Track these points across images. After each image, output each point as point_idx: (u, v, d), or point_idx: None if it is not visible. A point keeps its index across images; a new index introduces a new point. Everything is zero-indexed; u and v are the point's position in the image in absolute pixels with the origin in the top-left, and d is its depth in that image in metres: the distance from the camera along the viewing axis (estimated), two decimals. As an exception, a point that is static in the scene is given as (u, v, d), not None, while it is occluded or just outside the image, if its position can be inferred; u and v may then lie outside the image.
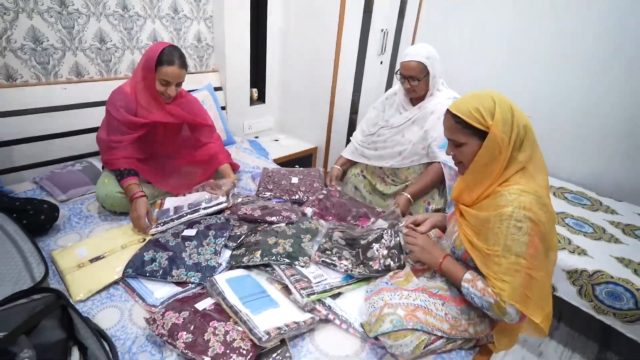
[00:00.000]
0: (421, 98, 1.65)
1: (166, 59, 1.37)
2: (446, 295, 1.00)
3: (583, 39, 2.21)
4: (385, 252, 1.16)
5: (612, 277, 1.43)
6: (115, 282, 1.12)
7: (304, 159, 2.50)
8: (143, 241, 1.28)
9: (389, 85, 2.76)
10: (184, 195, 1.53)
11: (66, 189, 1.54)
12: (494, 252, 0.89)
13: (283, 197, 1.62)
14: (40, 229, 1.28)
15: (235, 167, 1.78)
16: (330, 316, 1.04)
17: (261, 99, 2.54)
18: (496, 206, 0.91)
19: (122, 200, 1.40)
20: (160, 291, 1.08)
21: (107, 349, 0.80)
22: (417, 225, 1.22)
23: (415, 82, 1.55)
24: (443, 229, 1.26)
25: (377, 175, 1.84)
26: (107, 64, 1.83)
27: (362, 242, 1.22)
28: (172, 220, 1.35)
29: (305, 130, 2.58)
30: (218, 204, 1.42)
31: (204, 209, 1.40)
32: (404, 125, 1.69)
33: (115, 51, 1.83)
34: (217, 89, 2.22)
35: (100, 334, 0.84)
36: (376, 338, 0.96)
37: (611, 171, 2.25)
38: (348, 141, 2.64)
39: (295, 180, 1.73)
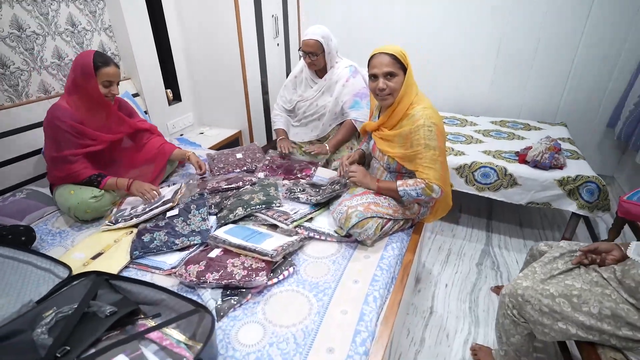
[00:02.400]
0: (324, 70, 2.04)
1: (101, 61, 1.47)
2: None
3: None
4: (335, 186, 1.55)
5: (481, 163, 2.06)
6: (126, 266, 1.28)
7: (232, 144, 2.72)
8: (131, 233, 1.43)
9: (287, 63, 3.11)
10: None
11: (22, 216, 1.55)
12: (418, 151, 1.31)
13: (236, 170, 1.88)
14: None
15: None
16: (311, 234, 1.38)
17: (177, 98, 2.66)
18: (412, 122, 1.33)
19: (96, 205, 1.50)
20: (171, 259, 1.29)
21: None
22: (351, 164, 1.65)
23: (315, 57, 1.91)
24: (361, 160, 1.70)
25: (305, 141, 2.21)
26: (16, 88, 1.80)
27: (322, 185, 1.60)
28: (125, 220, 1.45)
29: (226, 118, 2.79)
30: (164, 203, 1.51)
31: (156, 208, 1.50)
32: (317, 96, 2.06)
33: (21, 74, 1.80)
34: (134, 95, 2.29)
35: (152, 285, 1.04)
36: (347, 236, 1.35)
37: (470, 96, 3.02)
38: (266, 119, 2.95)
39: (239, 155, 1.99)
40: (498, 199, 2.08)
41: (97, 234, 1.45)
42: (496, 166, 2.02)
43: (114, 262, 1.28)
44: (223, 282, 1.13)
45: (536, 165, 1.96)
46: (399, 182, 1.35)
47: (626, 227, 1.81)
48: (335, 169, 1.95)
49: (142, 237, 1.35)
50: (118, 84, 1.57)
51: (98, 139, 1.58)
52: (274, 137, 2.92)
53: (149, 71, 2.34)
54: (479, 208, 2.54)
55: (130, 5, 2.12)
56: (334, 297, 1.13)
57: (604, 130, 2.77)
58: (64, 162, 1.50)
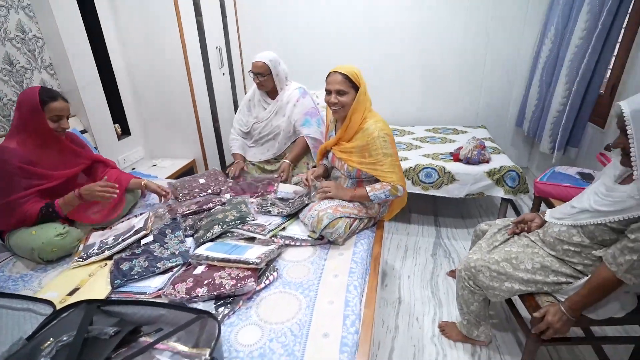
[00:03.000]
0: (274, 92, 2.20)
1: (48, 96, 1.46)
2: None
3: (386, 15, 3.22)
4: (304, 198, 1.68)
5: (424, 165, 2.34)
6: (108, 297, 1.27)
7: (187, 173, 2.74)
8: (105, 265, 1.42)
9: (233, 91, 3.23)
10: (110, 228, 1.66)
11: (-27, 267, 1.45)
12: (378, 160, 1.50)
13: (202, 194, 1.92)
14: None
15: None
16: (287, 241, 1.49)
17: (126, 132, 2.63)
18: (367, 135, 1.52)
19: (62, 242, 1.44)
20: (154, 282, 1.30)
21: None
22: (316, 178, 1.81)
23: (262, 78, 2.08)
24: (325, 174, 1.87)
25: (264, 161, 2.33)
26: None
27: (289, 200, 1.73)
28: (97, 254, 1.43)
29: (178, 149, 2.80)
30: (136, 232, 1.51)
31: (129, 237, 1.49)
32: (270, 117, 2.22)
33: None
34: (82, 132, 2.24)
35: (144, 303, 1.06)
36: (320, 238, 1.48)
37: (406, 110, 3.39)
38: (218, 145, 3.02)
39: (202, 180, 2.04)
40: (441, 195, 2.37)
41: (68, 271, 1.41)
42: (436, 166, 2.31)
43: (95, 293, 1.26)
44: (214, 294, 1.19)
45: (468, 161, 2.29)
46: (368, 188, 1.52)
47: (543, 205, 2.19)
48: (297, 184, 2.08)
49: (121, 267, 1.35)
50: (68, 118, 1.55)
51: (51, 177, 1.54)
52: (228, 163, 3.01)
53: (96, 107, 2.31)
54: (426, 207, 2.83)
55: (71, 42, 2.11)
56: (319, 291, 1.25)
57: (515, 129, 3.28)
58: (14, 207, 1.43)
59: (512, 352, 1.57)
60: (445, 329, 1.66)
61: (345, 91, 1.54)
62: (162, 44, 2.45)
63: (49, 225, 1.48)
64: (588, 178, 1.86)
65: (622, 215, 1.05)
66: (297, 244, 1.50)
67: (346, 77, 1.53)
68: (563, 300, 1.19)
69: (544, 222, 1.40)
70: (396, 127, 3.17)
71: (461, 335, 1.59)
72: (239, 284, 1.20)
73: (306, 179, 1.80)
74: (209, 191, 1.95)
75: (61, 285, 1.31)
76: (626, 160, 1.06)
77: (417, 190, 2.39)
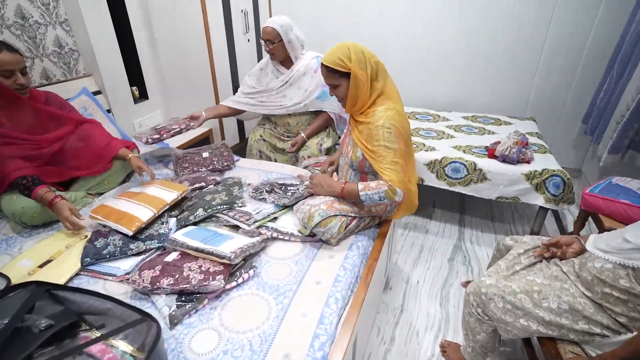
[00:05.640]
0: (289, 61, 2.00)
1: None
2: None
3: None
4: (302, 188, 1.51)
5: (452, 158, 2.05)
6: (77, 274, 1.21)
7: (201, 143, 2.64)
8: (85, 237, 1.36)
9: (260, 59, 3.04)
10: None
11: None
12: (379, 152, 1.26)
13: (201, 169, 1.81)
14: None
15: (131, 148, 1.77)
16: (275, 234, 1.34)
17: (144, 96, 2.56)
18: (374, 120, 1.29)
19: (44, 207, 1.40)
20: (125, 264, 1.22)
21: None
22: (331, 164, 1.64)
23: (272, 45, 1.88)
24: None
25: (274, 136, 2.17)
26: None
27: (291, 188, 1.55)
28: None
29: (197, 116, 2.70)
30: None
31: None
32: (284, 87, 2.03)
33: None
34: (96, 93, 2.19)
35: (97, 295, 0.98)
36: (312, 235, 1.31)
37: (441, 92, 3.03)
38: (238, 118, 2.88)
39: (206, 154, 1.92)
40: (469, 194, 2.09)
41: (49, 238, 1.36)
42: (466, 161, 2.02)
43: (64, 269, 1.21)
44: (178, 288, 1.08)
45: (504, 159, 1.98)
46: (360, 186, 1.29)
47: (590, 219, 1.85)
48: (306, 167, 1.91)
49: (95, 243, 1.28)
50: (24, 73, 1.41)
51: (27, 141, 1.45)
52: (246, 135, 2.87)
53: (112, 67, 2.23)
54: (452, 203, 2.55)
55: (87, -1, 2.01)
56: (295, 299, 1.10)
57: (572, 124, 2.83)
58: None
59: (521, 389, 1.36)
60: (448, 350, 1.47)
61: (335, 84, 1.31)
62: (183, 4, 2.29)
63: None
64: (654, 197, 1.51)
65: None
66: (286, 238, 1.34)
67: (330, 69, 1.29)
68: (594, 355, 0.95)
69: (584, 250, 1.13)
70: (429, 112, 2.85)
71: (464, 362, 1.39)
72: (206, 281, 1.08)
73: (329, 164, 1.64)
74: (210, 167, 1.83)
75: (37, 254, 1.27)
76: None
77: (442, 185, 2.12)
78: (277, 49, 1.91)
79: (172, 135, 1.94)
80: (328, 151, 2.08)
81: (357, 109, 1.35)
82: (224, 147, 2.03)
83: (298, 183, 1.64)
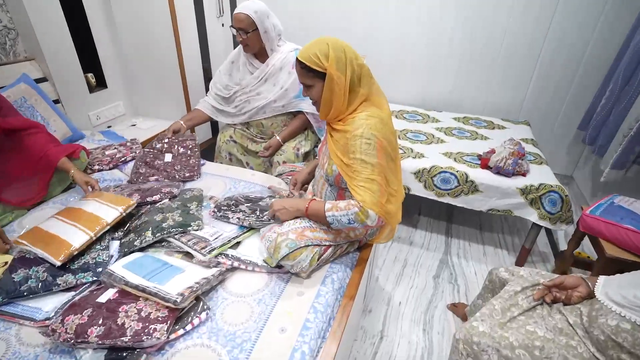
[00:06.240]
0: (264, 54, 1.76)
1: None
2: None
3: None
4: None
5: (442, 167, 1.88)
6: (-14, 316, 0.99)
7: (171, 137, 2.39)
8: (5, 265, 1.12)
9: (236, 46, 2.76)
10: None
11: None
12: (353, 166, 1.07)
13: (159, 178, 1.58)
14: None
15: (76, 153, 1.53)
16: (236, 263, 1.14)
17: (101, 84, 2.27)
18: (352, 129, 1.10)
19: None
20: (49, 303, 1.00)
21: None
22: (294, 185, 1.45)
23: (245, 35, 1.64)
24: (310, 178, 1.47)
25: (246, 137, 1.94)
26: None
27: (261, 202, 1.34)
28: None
29: (162, 109, 2.43)
30: None
31: None
32: (258, 84, 1.79)
33: None
34: (39, 80, 1.90)
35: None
36: (279, 267, 1.12)
37: (433, 90, 2.83)
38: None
39: (168, 157, 1.69)
40: (458, 205, 1.93)
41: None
42: (457, 171, 1.85)
43: (-31, 310, 0.98)
44: (107, 342, 0.87)
45: (499, 171, 1.81)
46: (327, 206, 1.10)
47: (586, 239, 1.71)
48: (280, 175, 1.70)
49: (13, 275, 1.05)
50: None
51: None
52: (220, 127, 2.61)
53: (59, 50, 1.94)
54: (439, 210, 2.40)
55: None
56: (253, 353, 0.91)
57: (566, 130, 2.69)
58: None
59: None
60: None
61: (309, 84, 1.11)
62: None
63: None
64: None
65: None
66: (249, 268, 1.15)
67: (304, 66, 1.08)
68: None
69: (592, 294, 0.98)
70: (419, 111, 2.66)
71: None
72: (144, 333, 0.88)
73: (293, 185, 1.44)
74: (170, 177, 1.60)
75: (-61, 288, 1.03)
76: None
77: (430, 195, 1.95)
78: (252, 39, 1.66)
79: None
80: (306, 156, 1.87)
81: (332, 116, 1.14)
82: (192, 150, 1.78)
83: (267, 196, 1.44)
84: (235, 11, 1.61)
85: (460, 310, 1.63)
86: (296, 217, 1.17)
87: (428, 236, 2.18)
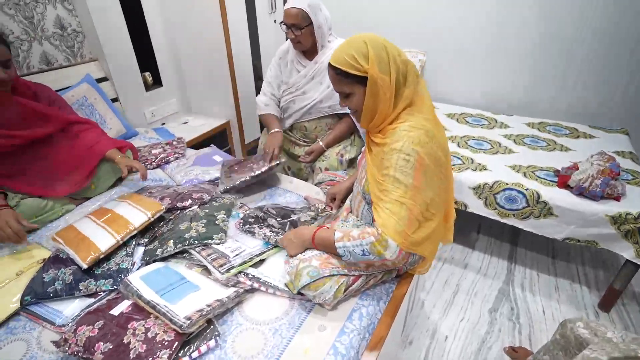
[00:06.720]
0: (314, 51, 1.63)
1: None
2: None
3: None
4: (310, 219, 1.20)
5: (507, 184, 1.60)
6: (16, 313, 1.02)
7: (217, 136, 2.39)
8: (42, 262, 1.16)
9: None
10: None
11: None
12: (385, 179, 0.91)
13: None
14: None
15: (124, 149, 1.58)
16: (256, 285, 1.04)
17: (157, 82, 2.34)
18: (391, 141, 0.94)
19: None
20: (70, 308, 1.00)
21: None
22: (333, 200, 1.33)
23: (298, 32, 1.52)
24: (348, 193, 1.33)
25: (288, 140, 1.84)
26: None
27: (293, 216, 1.24)
28: None
29: (213, 107, 2.45)
30: None
31: None
32: (304, 82, 1.68)
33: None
34: (101, 80, 1.99)
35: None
36: (300, 293, 1.00)
37: (501, 90, 2.48)
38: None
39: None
40: (526, 229, 1.64)
41: (4, 258, 1.18)
42: (526, 189, 1.56)
43: (2, 305, 1.01)
44: (110, 362, 0.83)
45: (581, 192, 1.49)
46: (337, 235, 0.94)
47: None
48: (320, 183, 1.58)
49: (44, 275, 1.07)
50: (7, 66, 1.22)
51: (8, 137, 1.28)
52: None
53: (118, 51, 2.02)
54: (503, 230, 2.09)
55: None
56: (259, 397, 0.80)
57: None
58: None
59: None
60: None
61: (347, 92, 0.96)
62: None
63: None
64: None
65: None
66: (270, 291, 1.04)
67: (340, 72, 0.93)
68: None
69: None
70: (485, 114, 2.34)
71: None
72: (149, 354, 0.82)
73: (330, 199, 1.32)
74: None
75: (-18, 280, 1.08)
76: None
77: (491, 214, 1.69)
78: (305, 36, 1.53)
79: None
80: (350, 163, 1.72)
81: (377, 124, 0.98)
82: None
83: (301, 208, 1.33)
84: (286, 6, 1.49)
85: (520, 357, 1.37)
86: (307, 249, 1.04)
87: (487, 259, 1.91)
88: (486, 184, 1.63)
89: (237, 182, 1.44)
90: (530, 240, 2.01)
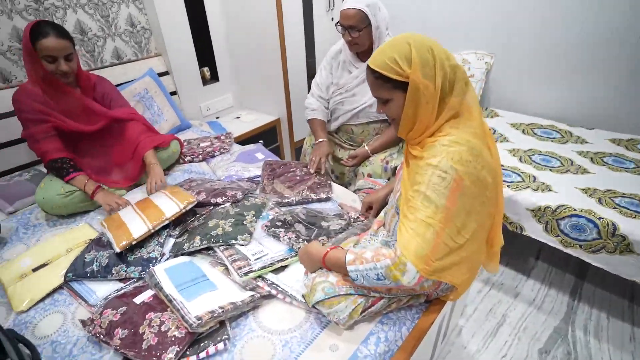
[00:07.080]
0: (368, 52, 1.56)
1: (39, 31, 1.23)
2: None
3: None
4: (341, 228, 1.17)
5: (575, 210, 1.38)
6: (60, 287, 1.11)
7: (267, 133, 2.43)
8: (88, 242, 1.25)
9: (346, 42, 2.63)
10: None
11: (13, 201, 1.50)
12: (415, 195, 0.82)
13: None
14: (-17, 246, 1.26)
15: (165, 143, 1.63)
16: (273, 291, 1.02)
17: (214, 77, 2.44)
18: (428, 156, 0.85)
19: (64, 201, 1.35)
20: (103, 289, 1.07)
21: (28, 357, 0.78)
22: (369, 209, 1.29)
23: (356, 34, 1.45)
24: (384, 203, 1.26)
25: (333, 142, 1.79)
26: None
27: (323, 223, 1.21)
28: None
29: (265, 103, 2.49)
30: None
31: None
32: (355, 84, 1.61)
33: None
34: (162, 74, 2.12)
35: (24, 343, 0.82)
36: (316, 308, 0.95)
37: (582, 99, 2.15)
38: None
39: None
40: (594, 264, 1.40)
41: (57, 237, 1.29)
42: (599, 218, 1.33)
43: (48, 280, 1.11)
44: (123, 351, 0.86)
45: (672, 229, 1.23)
46: (349, 257, 0.86)
47: None
48: (359, 190, 1.52)
49: (86, 255, 1.15)
50: (69, 59, 1.30)
51: (65, 125, 1.40)
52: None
53: (180, 46, 2.13)
54: (568, 259, 1.82)
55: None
56: (256, 413, 0.77)
57: None
58: (34, 140, 1.36)
59: None
60: None
61: (386, 97, 0.87)
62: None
63: (56, 181, 1.39)
64: None
65: None
66: (287, 300, 1.01)
67: (379, 76, 0.84)
68: None
69: None
70: (558, 126, 2.05)
71: None
72: (154, 355, 0.83)
73: (366, 209, 1.26)
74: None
75: (38, 255, 1.21)
76: None
77: (552, 241, 1.48)
78: (363, 38, 1.45)
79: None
80: (395, 171, 1.62)
81: (415, 135, 0.89)
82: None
83: (334, 215, 1.27)
84: (344, 7, 1.42)
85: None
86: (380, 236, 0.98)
87: (543, 291, 1.68)
88: (548, 207, 1.43)
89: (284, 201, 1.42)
90: (602, 275, 1.73)
